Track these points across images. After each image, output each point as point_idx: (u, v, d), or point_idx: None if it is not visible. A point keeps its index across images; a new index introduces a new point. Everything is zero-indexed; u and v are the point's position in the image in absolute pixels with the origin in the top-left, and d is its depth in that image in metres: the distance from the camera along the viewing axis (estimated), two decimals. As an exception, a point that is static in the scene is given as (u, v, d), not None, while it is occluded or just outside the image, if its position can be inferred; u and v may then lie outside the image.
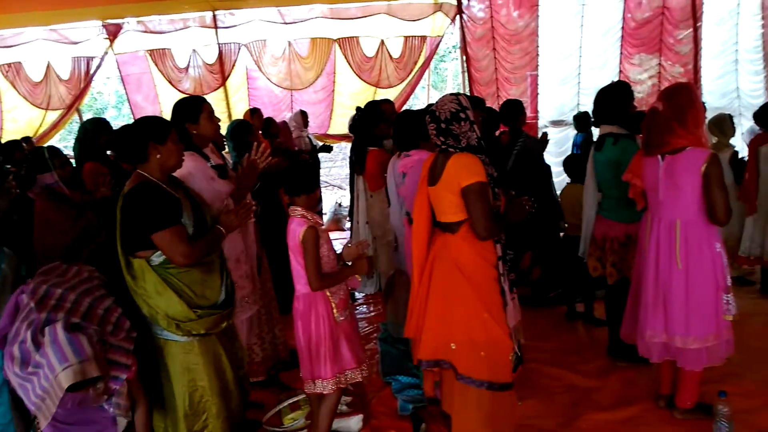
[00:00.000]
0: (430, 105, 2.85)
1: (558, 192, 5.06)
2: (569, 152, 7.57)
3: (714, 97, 8.82)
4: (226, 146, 4.38)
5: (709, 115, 5.50)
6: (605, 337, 3.81)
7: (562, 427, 3.05)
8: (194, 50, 8.45)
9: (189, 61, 8.49)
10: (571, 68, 8.72)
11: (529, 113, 8.55)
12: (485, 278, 2.52)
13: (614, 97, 3.42)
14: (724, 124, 4.98)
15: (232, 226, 2.59)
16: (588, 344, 4.06)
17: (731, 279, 4.88)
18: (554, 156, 8.26)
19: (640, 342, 2.97)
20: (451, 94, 2.54)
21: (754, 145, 4.68)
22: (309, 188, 2.70)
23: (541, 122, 8.67)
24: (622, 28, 8.56)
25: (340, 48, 8.50)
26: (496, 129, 4.79)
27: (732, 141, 5.13)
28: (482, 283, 2.51)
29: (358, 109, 5.39)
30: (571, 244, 4.15)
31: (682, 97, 2.74)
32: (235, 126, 4.49)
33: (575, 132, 7.76)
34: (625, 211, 3.30)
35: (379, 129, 4.32)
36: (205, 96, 8.13)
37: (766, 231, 4.57)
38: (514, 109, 4.65)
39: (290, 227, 2.67)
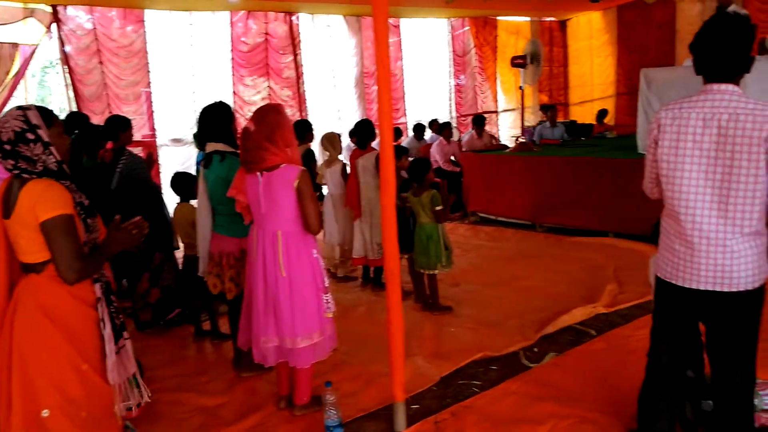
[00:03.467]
0: None
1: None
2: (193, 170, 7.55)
3: (319, 118, 9.98)
4: None
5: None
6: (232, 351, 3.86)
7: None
8: None
9: None
10: (186, 87, 8.74)
11: (146, 131, 8.28)
12: (81, 322, 2.18)
13: (216, 117, 3.51)
14: (334, 140, 5.62)
15: None
16: (216, 361, 4.06)
17: (340, 278, 5.58)
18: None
19: (255, 349, 3.07)
20: (18, 108, 2.14)
21: (353, 158, 5.31)
22: None
23: (160, 140, 8.45)
24: (232, 50, 8.98)
25: None
26: (102, 147, 4.42)
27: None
28: (77, 328, 2.17)
29: None
30: (191, 264, 4.11)
31: (271, 117, 2.94)
32: None
33: (197, 150, 7.76)
34: (237, 226, 3.37)
35: None
36: None
37: (372, 233, 5.15)
38: (116, 125, 4.36)
39: None
